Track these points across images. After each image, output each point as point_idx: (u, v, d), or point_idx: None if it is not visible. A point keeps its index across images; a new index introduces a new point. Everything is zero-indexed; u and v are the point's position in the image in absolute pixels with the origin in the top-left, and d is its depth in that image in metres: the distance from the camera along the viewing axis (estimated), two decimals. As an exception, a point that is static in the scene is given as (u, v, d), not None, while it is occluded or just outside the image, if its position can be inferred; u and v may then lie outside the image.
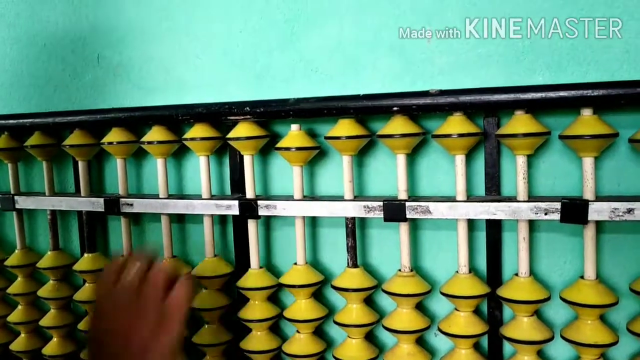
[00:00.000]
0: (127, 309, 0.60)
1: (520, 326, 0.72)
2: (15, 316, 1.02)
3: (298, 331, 0.83)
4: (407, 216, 0.73)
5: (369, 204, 0.75)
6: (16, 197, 0.97)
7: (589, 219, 0.66)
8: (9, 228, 1.08)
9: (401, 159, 0.74)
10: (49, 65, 0.99)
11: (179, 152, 0.90)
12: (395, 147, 0.74)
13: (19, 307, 1.02)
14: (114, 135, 0.89)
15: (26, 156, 0.99)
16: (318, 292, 0.84)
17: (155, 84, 0.92)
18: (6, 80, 1.03)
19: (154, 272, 0.62)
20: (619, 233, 0.71)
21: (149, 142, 0.85)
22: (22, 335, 1.03)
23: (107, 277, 0.64)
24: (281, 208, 0.79)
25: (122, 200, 0.88)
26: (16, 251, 1.02)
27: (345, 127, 0.76)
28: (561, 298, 0.70)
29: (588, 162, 0.67)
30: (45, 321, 0.98)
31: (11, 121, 0.95)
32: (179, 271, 0.67)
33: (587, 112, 0.66)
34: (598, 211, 0.65)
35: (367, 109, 0.73)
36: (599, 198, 0.67)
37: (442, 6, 0.74)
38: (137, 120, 0.86)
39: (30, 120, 0.93)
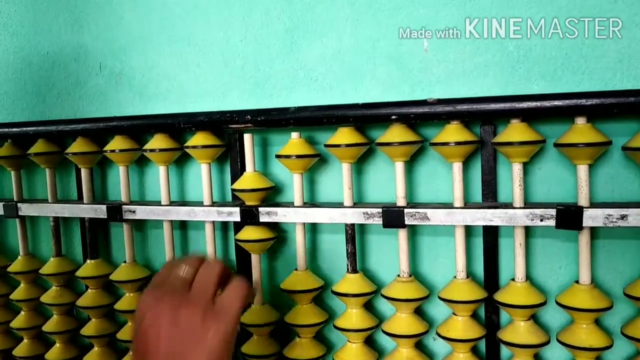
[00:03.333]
0: (176, 296, 0.56)
1: (517, 330, 0.73)
2: (18, 322, 1.03)
3: (299, 335, 0.84)
4: (406, 222, 0.74)
5: (369, 210, 0.76)
6: (19, 204, 0.98)
7: (584, 225, 0.67)
8: (12, 235, 1.09)
9: (400, 167, 0.76)
10: (52, 73, 1.00)
11: (180, 160, 0.92)
12: (394, 155, 0.76)
13: (22, 312, 1.03)
14: (117, 143, 0.90)
15: (29, 163, 1.00)
16: (318, 297, 0.85)
17: (157, 91, 0.93)
18: (10, 88, 1.04)
19: (206, 267, 0.59)
20: (613, 239, 0.72)
21: (151, 150, 0.87)
22: (25, 340, 1.04)
23: (162, 273, 0.60)
24: (282, 215, 0.81)
25: (125, 207, 0.89)
26: (19, 257, 1.03)
27: (344, 135, 0.77)
28: (557, 302, 0.72)
29: (582, 169, 0.68)
30: (48, 327, 0.99)
31: (15, 129, 0.96)
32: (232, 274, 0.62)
33: (581, 121, 0.67)
34: (592, 217, 0.67)
35: (366, 118, 0.74)
36: (593, 204, 0.68)
37: (442, 8, 0.75)
38: (140, 128, 0.87)
39: (34, 128, 0.94)
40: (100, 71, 0.97)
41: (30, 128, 0.94)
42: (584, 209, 0.67)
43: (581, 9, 0.70)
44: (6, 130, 0.97)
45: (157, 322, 0.54)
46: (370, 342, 0.83)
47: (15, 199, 1.00)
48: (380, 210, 0.76)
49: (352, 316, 0.80)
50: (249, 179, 0.82)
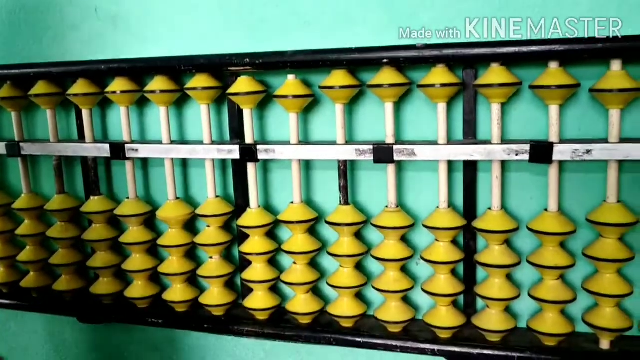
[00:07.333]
0: None
1: (492, 254, 0.82)
2: (24, 256, 1.08)
3: (295, 263, 0.92)
4: (395, 158, 0.81)
5: (360, 147, 0.83)
6: (22, 144, 1.02)
7: (554, 159, 0.75)
8: (13, 174, 1.13)
9: (389, 107, 0.82)
10: (47, 16, 1.02)
11: (179, 101, 0.96)
12: (384, 96, 0.82)
13: (27, 247, 1.08)
14: (118, 85, 0.93)
15: (28, 105, 1.04)
16: (312, 228, 0.93)
17: (153, 34, 0.96)
18: (4, 30, 1.06)
19: None
20: (579, 172, 0.81)
21: (152, 91, 0.91)
22: (31, 273, 1.09)
23: None
24: (279, 152, 0.87)
25: (128, 145, 0.94)
26: (22, 195, 1.07)
27: (338, 78, 0.82)
28: (528, 228, 0.80)
29: (554, 109, 0.76)
30: (54, 259, 1.05)
31: (14, 71, 0.98)
32: None
33: (554, 65, 0.74)
34: (561, 152, 0.75)
35: (359, 61, 0.80)
36: (562, 141, 0.76)
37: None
38: (140, 70, 0.91)
39: (35, 70, 0.96)
40: (96, 13, 0.99)
41: (31, 70, 0.97)
42: (554, 145, 0.75)
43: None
44: (5, 72, 0.99)
45: None
46: (360, 267, 0.92)
47: (16, 139, 1.03)
48: (371, 147, 0.82)
49: (344, 244, 0.88)
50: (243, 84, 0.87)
